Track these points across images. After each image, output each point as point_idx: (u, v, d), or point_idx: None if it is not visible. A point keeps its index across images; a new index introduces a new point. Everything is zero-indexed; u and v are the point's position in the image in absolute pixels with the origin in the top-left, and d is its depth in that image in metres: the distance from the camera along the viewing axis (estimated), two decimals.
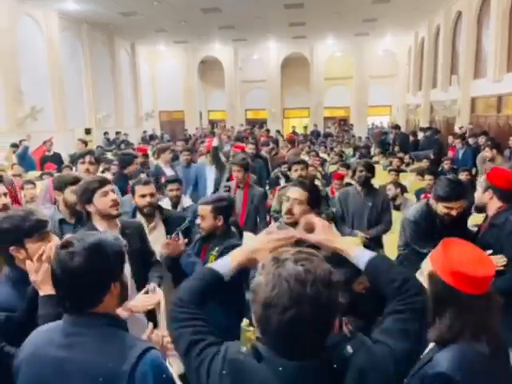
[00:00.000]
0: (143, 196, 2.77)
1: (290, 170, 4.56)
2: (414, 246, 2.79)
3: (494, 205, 2.55)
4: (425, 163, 8.42)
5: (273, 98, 20.54)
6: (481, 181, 2.72)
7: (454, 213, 2.61)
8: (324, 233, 1.37)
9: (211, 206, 2.50)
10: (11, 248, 1.70)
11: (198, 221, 2.56)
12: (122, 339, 1.23)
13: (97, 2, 11.46)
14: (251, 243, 1.34)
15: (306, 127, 18.79)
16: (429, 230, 2.67)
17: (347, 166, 6.35)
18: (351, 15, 13.67)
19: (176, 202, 3.59)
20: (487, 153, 6.01)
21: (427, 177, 6.26)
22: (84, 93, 14.38)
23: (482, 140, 8.04)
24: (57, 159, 8.01)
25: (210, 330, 1.12)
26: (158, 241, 2.62)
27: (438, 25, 14.19)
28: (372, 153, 11.24)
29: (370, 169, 3.85)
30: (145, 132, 17.47)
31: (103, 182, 2.35)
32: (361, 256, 1.26)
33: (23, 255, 1.70)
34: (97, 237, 1.27)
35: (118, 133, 14.99)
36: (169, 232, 2.66)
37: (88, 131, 13.72)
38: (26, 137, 9.21)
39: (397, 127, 13.99)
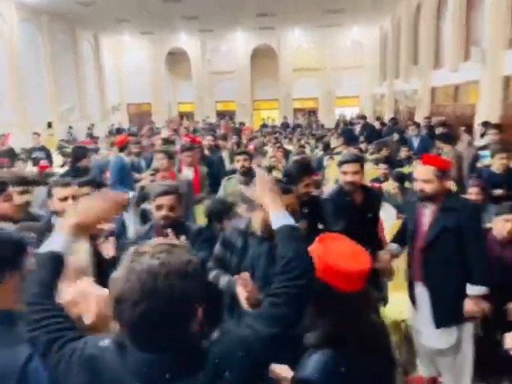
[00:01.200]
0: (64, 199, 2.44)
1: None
2: (325, 224, 2.83)
3: (443, 190, 2.52)
4: (385, 152, 8.57)
5: (242, 90, 20.46)
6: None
7: (349, 178, 2.77)
8: (259, 186, 1.39)
9: None
10: None
11: None
12: (13, 337, 1.17)
13: None
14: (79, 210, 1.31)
15: (273, 120, 18.80)
16: (340, 210, 2.73)
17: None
18: (317, 6, 13.70)
19: None
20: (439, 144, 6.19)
21: (381, 165, 6.33)
22: (45, 85, 13.97)
23: (438, 131, 8.22)
24: (11, 154, 7.76)
25: (68, 325, 1.09)
26: None
27: (399, 16, 14.41)
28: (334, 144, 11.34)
29: None
30: (112, 125, 17.16)
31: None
32: (275, 219, 1.28)
33: None
34: None
35: (90, 126, 14.71)
36: None
37: (49, 125, 13.35)
38: None
39: (363, 117, 14.18)
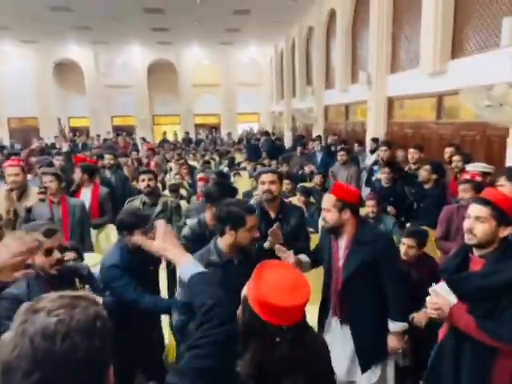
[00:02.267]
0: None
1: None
2: None
3: (351, 221, 2.39)
4: (284, 167, 8.83)
5: (140, 104, 19.78)
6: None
7: (266, 187, 2.87)
8: (162, 240, 1.32)
9: None
10: None
11: None
12: None
13: None
14: None
15: (176, 134, 18.50)
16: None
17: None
18: (213, 24, 13.84)
19: None
20: (343, 156, 6.54)
21: (285, 181, 6.51)
22: None
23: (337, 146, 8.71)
24: None
25: None
26: None
27: (293, 38, 15.23)
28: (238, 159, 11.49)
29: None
30: None
31: None
32: (185, 272, 1.24)
33: None
34: None
35: None
36: None
37: None
38: None
39: (266, 134, 14.63)
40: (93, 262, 3.21)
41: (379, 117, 8.46)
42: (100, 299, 2.03)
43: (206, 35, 15.82)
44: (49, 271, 1.97)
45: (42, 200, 3.70)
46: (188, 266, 1.24)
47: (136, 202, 3.92)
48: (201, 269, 1.24)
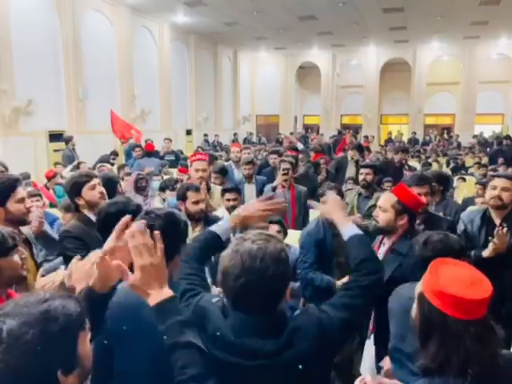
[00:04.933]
0: (196, 203, 2.80)
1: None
2: None
3: (402, 229, 2.33)
4: None
5: (369, 104, 20.09)
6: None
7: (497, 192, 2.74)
8: (331, 205, 1.69)
9: None
10: None
11: None
12: None
13: (204, 14, 12.47)
14: (245, 208, 1.66)
15: (401, 134, 18.06)
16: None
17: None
18: (457, 18, 12.89)
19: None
20: None
21: None
22: (187, 97, 15.66)
23: None
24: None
25: (202, 283, 1.44)
26: None
27: None
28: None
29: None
30: (235, 134, 18.32)
31: (90, 176, 2.55)
32: (345, 231, 1.54)
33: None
34: None
35: (216, 135, 16.12)
36: None
37: (189, 132, 14.93)
38: (133, 136, 10.39)
39: (508, 137, 12.82)
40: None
41: None
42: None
43: (447, 30, 14.82)
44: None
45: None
46: (347, 228, 1.53)
47: (352, 193, 4.29)
48: (359, 232, 1.52)
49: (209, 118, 16.90)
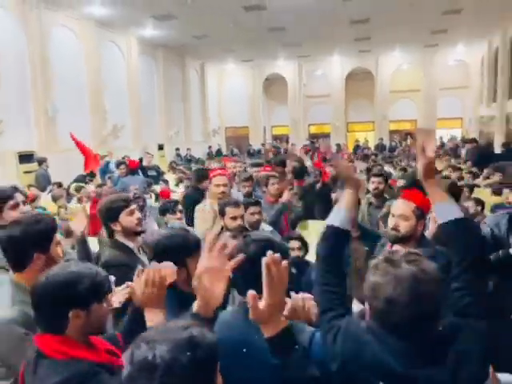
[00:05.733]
0: (234, 218, 2.76)
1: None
2: None
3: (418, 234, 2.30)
4: (497, 177, 7.98)
5: (336, 112, 20.52)
6: None
7: None
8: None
9: None
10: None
11: None
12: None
13: (173, 27, 12.30)
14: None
15: (367, 141, 18.53)
16: None
17: None
18: (419, 27, 13.43)
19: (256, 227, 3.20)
20: None
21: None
22: (157, 110, 15.36)
23: None
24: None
25: (341, 300, 1.32)
26: None
27: None
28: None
29: None
30: (210, 147, 18.21)
31: (128, 201, 2.38)
32: (442, 211, 1.36)
33: (184, 275, 1.63)
34: None
35: (188, 149, 15.88)
36: None
37: (161, 147, 14.60)
38: (107, 153, 10.02)
39: (474, 141, 13.44)
40: None
41: None
42: None
43: (409, 40, 15.43)
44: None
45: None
46: (445, 206, 1.36)
47: (363, 202, 4.24)
48: (458, 214, 1.34)
49: (179, 132, 16.65)
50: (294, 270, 3.26)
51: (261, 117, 21.14)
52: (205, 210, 3.57)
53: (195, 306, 1.19)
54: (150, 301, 1.39)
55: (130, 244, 2.31)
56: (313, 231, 4.41)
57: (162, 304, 1.41)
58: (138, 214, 2.36)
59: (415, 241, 2.25)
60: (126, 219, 2.29)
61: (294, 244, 3.15)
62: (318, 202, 5.11)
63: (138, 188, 6.66)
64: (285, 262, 1.10)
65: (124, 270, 2.04)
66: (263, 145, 19.20)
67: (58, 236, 1.79)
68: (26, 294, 1.55)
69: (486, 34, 15.27)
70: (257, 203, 3.25)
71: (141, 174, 7.62)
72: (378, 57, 18.84)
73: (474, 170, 9.45)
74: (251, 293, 1.09)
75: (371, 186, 4.12)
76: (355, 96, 20.59)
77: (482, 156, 10.81)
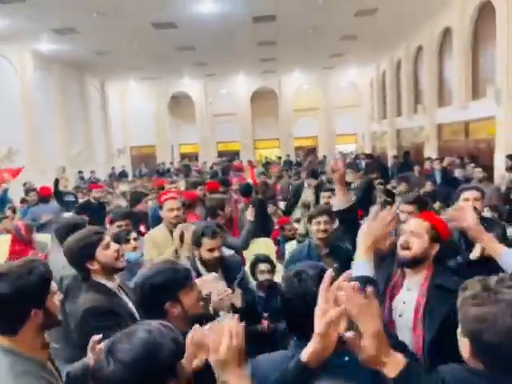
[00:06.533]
0: (211, 250, 2.53)
1: None
2: None
3: (432, 259, 1.95)
4: (403, 187, 8.78)
5: (244, 130, 20.93)
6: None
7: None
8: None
9: None
10: (167, 304, 1.52)
11: None
12: None
13: (74, 42, 11.46)
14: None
15: (279, 157, 19.15)
16: None
17: None
18: (319, 51, 14.39)
19: None
20: (479, 174, 6.45)
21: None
22: (55, 130, 14.10)
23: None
24: None
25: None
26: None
27: (399, 58, 15.19)
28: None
29: None
30: (113, 168, 17.22)
31: (101, 233, 2.08)
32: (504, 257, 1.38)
33: (179, 310, 1.53)
34: None
35: (92, 171, 14.77)
36: (228, 278, 2.46)
37: (64, 169, 13.39)
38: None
39: (370, 156, 14.77)
40: None
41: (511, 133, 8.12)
42: None
43: (310, 62, 16.44)
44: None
45: None
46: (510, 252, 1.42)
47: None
48: None
49: (82, 153, 15.46)
50: (262, 294, 3.16)
51: (168, 135, 20.65)
52: (156, 237, 3.33)
53: (306, 354, 1.02)
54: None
55: (109, 284, 1.99)
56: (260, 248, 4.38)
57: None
58: (115, 246, 2.06)
59: (431, 266, 1.94)
60: (104, 254, 1.98)
61: (264, 267, 3.05)
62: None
63: (52, 218, 6.03)
64: (370, 290, 1.03)
65: (110, 317, 1.75)
66: (171, 163, 18.74)
67: (54, 284, 1.46)
68: (30, 362, 1.31)
69: (375, 58, 16.95)
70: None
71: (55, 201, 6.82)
72: (281, 77, 19.74)
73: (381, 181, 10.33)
74: (350, 333, 1.00)
75: (323, 201, 4.23)
76: (261, 114, 21.24)
77: (385, 168, 11.84)
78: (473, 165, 6.57)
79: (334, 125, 21.11)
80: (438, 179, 8.65)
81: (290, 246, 4.25)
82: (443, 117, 11.77)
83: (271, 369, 1.20)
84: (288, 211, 6.32)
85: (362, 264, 1.44)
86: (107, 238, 2.05)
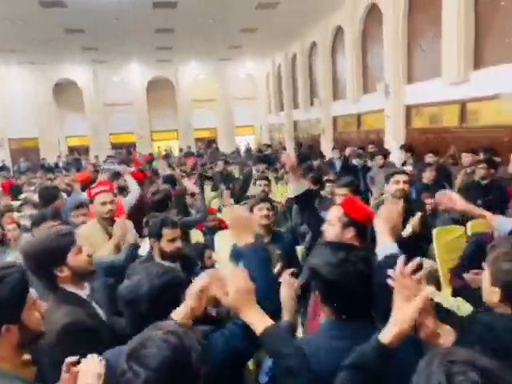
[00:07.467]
0: (172, 240, 2.39)
1: None
2: None
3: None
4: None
5: (140, 121, 19.99)
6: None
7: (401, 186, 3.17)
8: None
9: None
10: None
11: None
12: None
13: None
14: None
15: (181, 149, 18.67)
16: None
17: None
18: (217, 42, 14.29)
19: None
20: (380, 160, 6.99)
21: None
22: None
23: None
24: None
25: None
26: None
27: (294, 53, 15.83)
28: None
29: None
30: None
31: (73, 234, 1.81)
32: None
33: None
34: None
35: None
36: (186, 269, 2.28)
37: None
38: None
39: (268, 146, 15.27)
40: None
41: (398, 124, 9.01)
42: None
43: (208, 52, 16.27)
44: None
45: None
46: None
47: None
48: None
49: None
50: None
51: (53, 127, 18.73)
52: (91, 236, 2.98)
53: (389, 336, 1.04)
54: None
55: (80, 292, 1.72)
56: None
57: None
58: (88, 250, 1.80)
59: None
60: (76, 259, 1.72)
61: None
62: None
63: None
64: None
65: (91, 335, 1.52)
66: (59, 157, 17.08)
67: (33, 292, 1.20)
68: (12, 380, 1.16)
69: (271, 52, 17.41)
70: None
71: None
72: (178, 67, 19.21)
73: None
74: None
75: (260, 189, 4.24)
76: (158, 104, 20.46)
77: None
78: (380, 156, 7.13)
79: (233, 116, 21.28)
80: (338, 167, 9.28)
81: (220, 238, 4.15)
82: (338, 110, 12.61)
83: (327, 356, 1.20)
84: (237, 200, 6.33)
85: (391, 246, 1.53)
86: (79, 241, 1.78)
